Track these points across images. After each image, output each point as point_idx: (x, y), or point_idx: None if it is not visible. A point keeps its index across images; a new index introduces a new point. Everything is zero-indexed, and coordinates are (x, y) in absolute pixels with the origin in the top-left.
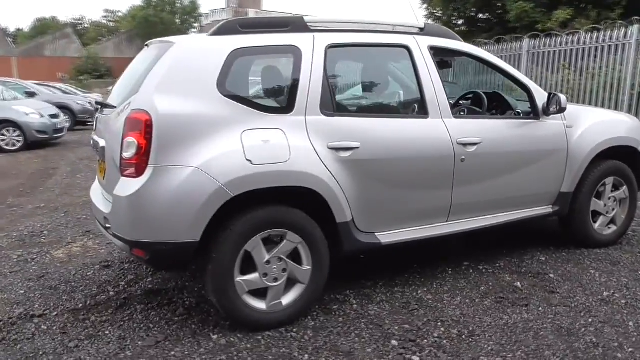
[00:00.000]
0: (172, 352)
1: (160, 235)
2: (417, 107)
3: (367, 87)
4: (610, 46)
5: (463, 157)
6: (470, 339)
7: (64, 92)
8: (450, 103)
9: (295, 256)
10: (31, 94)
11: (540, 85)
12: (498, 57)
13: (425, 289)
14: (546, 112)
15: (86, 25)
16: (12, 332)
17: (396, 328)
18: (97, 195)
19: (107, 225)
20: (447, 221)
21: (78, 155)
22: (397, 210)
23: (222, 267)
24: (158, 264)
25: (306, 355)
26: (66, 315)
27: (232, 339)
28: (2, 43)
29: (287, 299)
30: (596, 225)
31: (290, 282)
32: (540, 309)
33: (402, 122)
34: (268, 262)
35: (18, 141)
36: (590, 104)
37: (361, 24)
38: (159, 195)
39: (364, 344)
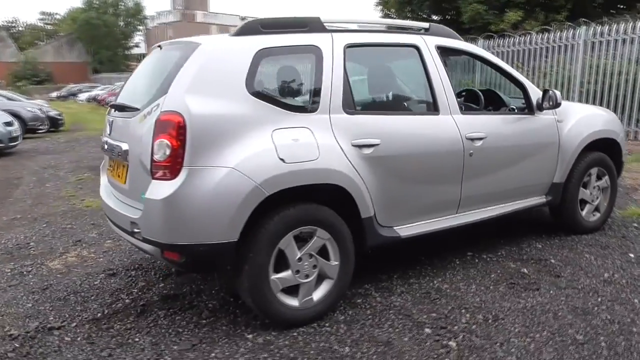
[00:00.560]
0: (212, 354)
1: (199, 236)
2: (428, 104)
3: (383, 86)
4: (560, 46)
5: (471, 151)
6: (497, 323)
7: (9, 99)
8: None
9: (322, 252)
10: None
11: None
12: None
13: (440, 279)
14: (540, 107)
15: (20, 28)
16: (35, 345)
17: (425, 317)
18: (114, 200)
19: (136, 230)
20: (456, 213)
21: (39, 163)
22: (413, 204)
23: (258, 266)
24: (193, 266)
25: (347, 348)
26: (87, 326)
27: (268, 337)
28: None
29: (317, 295)
30: (583, 213)
31: (320, 278)
32: (551, 292)
33: (416, 119)
34: (300, 259)
35: None
36: None
37: (373, 24)
38: (196, 197)
39: (399, 334)
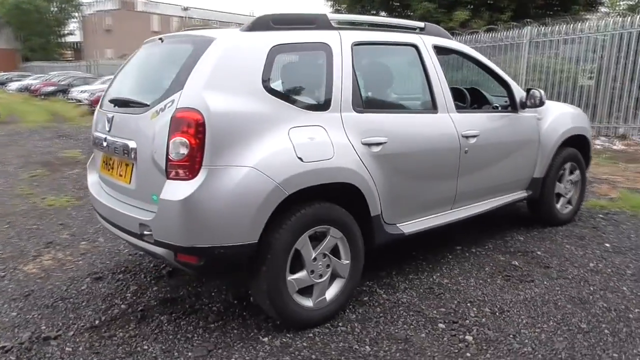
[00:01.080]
0: (232, 359)
1: (218, 238)
2: (428, 103)
3: (387, 84)
4: (506, 45)
5: (466, 148)
6: (504, 315)
7: None
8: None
9: (334, 252)
10: None
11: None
12: None
13: (439, 274)
14: (523, 106)
15: None
16: (34, 357)
17: (434, 312)
18: (111, 200)
19: (146, 233)
20: (451, 209)
21: None
22: (414, 201)
23: (276, 268)
24: (211, 269)
25: (367, 347)
26: (86, 334)
27: (284, 340)
28: None
29: (330, 294)
30: (558, 206)
31: (331, 277)
32: (545, 282)
33: (418, 117)
34: (314, 259)
35: None
36: None
37: (374, 22)
38: (216, 198)
39: (415, 330)
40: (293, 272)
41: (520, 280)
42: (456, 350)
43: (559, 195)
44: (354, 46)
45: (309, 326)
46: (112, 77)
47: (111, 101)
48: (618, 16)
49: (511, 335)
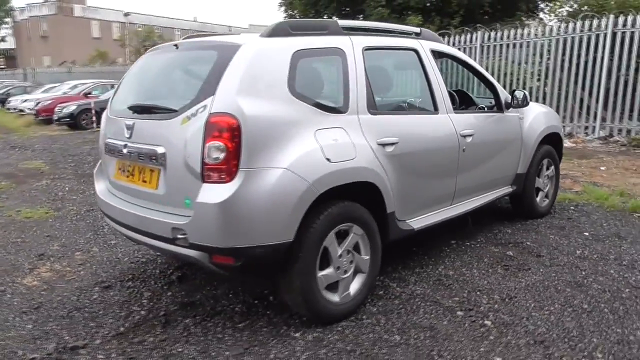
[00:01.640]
0: (271, 356)
1: (257, 238)
2: (429, 104)
3: (394, 86)
4: (459, 49)
5: (464, 147)
6: (513, 301)
7: None
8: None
9: (355, 248)
10: None
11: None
12: None
13: (443, 267)
14: (508, 106)
15: None
16: None
17: (450, 301)
18: (131, 206)
19: (179, 236)
20: (451, 205)
21: None
22: (421, 198)
23: (308, 265)
24: (247, 269)
25: (397, 336)
26: (115, 341)
27: (315, 334)
28: None
29: (353, 289)
30: (537, 200)
31: (353, 273)
32: (541, 270)
33: (423, 118)
34: (340, 255)
35: None
36: None
37: (377, 27)
38: (254, 199)
39: (437, 318)
40: (321, 269)
41: (519, 269)
42: (479, 335)
43: (538, 190)
44: (365, 51)
45: (336, 320)
46: (55, 85)
47: (130, 108)
48: (561, 22)
49: (524, 319)
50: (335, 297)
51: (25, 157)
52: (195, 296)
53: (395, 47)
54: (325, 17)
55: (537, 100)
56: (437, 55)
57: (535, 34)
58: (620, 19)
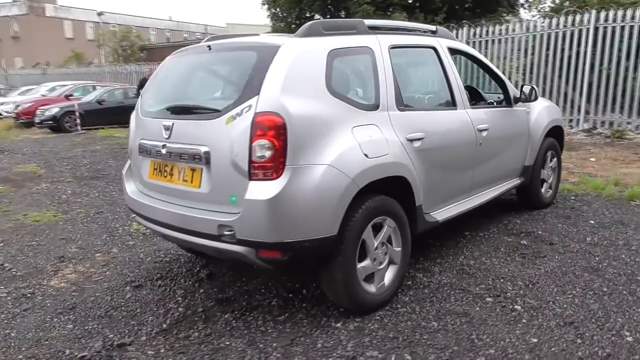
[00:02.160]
0: (318, 345)
1: (304, 233)
2: (449, 100)
3: (417, 83)
4: None
5: (480, 141)
6: (537, 287)
7: None
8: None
9: (388, 240)
10: None
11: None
12: None
13: (463, 257)
14: (516, 101)
15: None
16: None
17: (477, 289)
18: (175, 207)
19: (226, 233)
20: (468, 197)
21: None
22: (443, 191)
23: (349, 257)
24: (294, 263)
25: (434, 323)
26: (160, 338)
27: (355, 324)
28: None
29: (387, 280)
30: (542, 190)
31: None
32: (557, 257)
33: (444, 114)
34: (376, 247)
35: None
36: None
37: (397, 26)
38: (302, 194)
39: (469, 305)
40: (359, 261)
41: (535, 257)
42: (512, 319)
43: (543, 181)
44: (390, 49)
45: (373, 310)
46: (31, 87)
47: (168, 109)
48: (545, 17)
49: (551, 302)
50: (372, 288)
51: (17, 161)
52: (228, 292)
53: (417, 45)
54: (308, 14)
55: None
56: (453, 52)
57: (520, 30)
58: (602, 14)
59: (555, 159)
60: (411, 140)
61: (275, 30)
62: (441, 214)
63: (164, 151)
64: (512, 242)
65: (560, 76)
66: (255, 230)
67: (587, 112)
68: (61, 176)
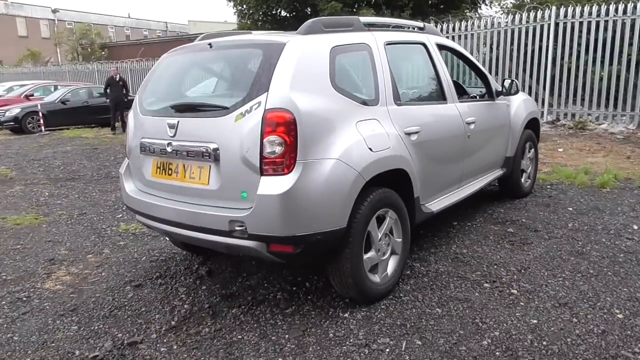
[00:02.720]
0: (330, 334)
1: (315, 226)
2: (439, 94)
3: (410, 78)
4: None
5: (469, 134)
6: (529, 271)
7: None
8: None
9: (390, 231)
10: None
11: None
12: None
13: (455, 246)
14: (498, 94)
15: None
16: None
17: (474, 275)
18: (182, 205)
19: (237, 228)
20: (458, 188)
21: None
22: (437, 182)
23: (356, 249)
24: (304, 255)
25: (438, 309)
26: (171, 335)
27: (363, 313)
28: None
29: (390, 270)
30: (522, 180)
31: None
32: (542, 243)
33: (436, 108)
34: (379, 239)
35: None
36: None
37: (388, 22)
38: (313, 188)
39: (469, 291)
40: (365, 252)
41: (523, 243)
42: (510, 302)
43: (522, 171)
44: (386, 45)
45: (377, 300)
46: None
47: (173, 107)
48: (508, 14)
49: (544, 285)
50: (376, 278)
51: None
52: (232, 288)
53: (408, 42)
54: (274, 11)
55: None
56: (440, 48)
57: (485, 26)
58: (562, 10)
59: (533, 149)
60: (408, 134)
61: (241, 27)
62: (435, 205)
63: (169, 149)
64: (499, 230)
65: (524, 70)
66: (267, 224)
67: (550, 105)
68: (35, 178)
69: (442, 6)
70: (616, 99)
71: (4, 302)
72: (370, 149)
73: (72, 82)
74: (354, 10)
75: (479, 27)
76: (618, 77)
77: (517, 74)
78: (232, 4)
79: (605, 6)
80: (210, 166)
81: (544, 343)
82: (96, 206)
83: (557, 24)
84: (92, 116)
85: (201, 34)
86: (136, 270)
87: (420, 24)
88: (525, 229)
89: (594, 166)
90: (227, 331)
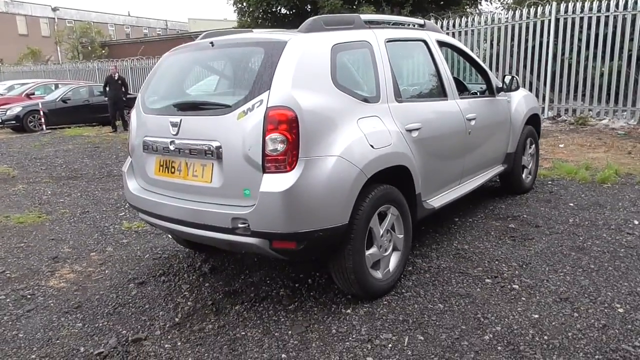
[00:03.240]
0: (332, 330)
1: (318, 223)
2: (440, 91)
3: (411, 75)
4: None
5: (469, 130)
6: (530, 267)
7: None
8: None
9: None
10: None
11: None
12: None
13: (457, 242)
14: (499, 90)
15: None
16: (138, 357)
17: (475, 271)
18: (184, 202)
19: (240, 225)
20: (459, 184)
21: None
22: (438, 179)
23: (358, 245)
24: (307, 252)
25: (440, 304)
26: (175, 331)
27: (365, 309)
28: None
29: (392, 266)
30: (523, 176)
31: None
32: (544, 238)
33: (437, 104)
34: (381, 235)
35: None
36: None
37: (388, 20)
38: (315, 185)
39: (470, 287)
40: (367, 248)
41: (524, 239)
42: (512, 297)
43: (523, 167)
44: (386, 43)
45: (380, 296)
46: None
47: (175, 105)
48: (508, 10)
49: (545, 280)
50: (378, 274)
51: None
52: (234, 285)
53: (409, 39)
54: (274, 9)
55: None
56: (440, 44)
57: (485, 22)
58: (562, 6)
59: (534, 145)
60: (410, 131)
61: (241, 25)
62: (437, 201)
63: (172, 147)
64: (501, 226)
65: (525, 66)
66: (270, 221)
67: (551, 101)
68: (37, 177)
69: (442, 3)
70: (617, 94)
71: (8, 300)
72: (372, 146)
73: (73, 80)
74: (354, 7)
75: (479, 23)
76: (619, 72)
77: (517, 70)
78: (232, 1)
79: (606, 2)
80: (212, 164)
81: (546, 337)
82: (99, 204)
83: (557, 20)
84: (93, 115)
85: (201, 32)
86: (139, 267)
87: (421, 20)
88: (526, 225)
89: (594, 162)
90: (230, 327)
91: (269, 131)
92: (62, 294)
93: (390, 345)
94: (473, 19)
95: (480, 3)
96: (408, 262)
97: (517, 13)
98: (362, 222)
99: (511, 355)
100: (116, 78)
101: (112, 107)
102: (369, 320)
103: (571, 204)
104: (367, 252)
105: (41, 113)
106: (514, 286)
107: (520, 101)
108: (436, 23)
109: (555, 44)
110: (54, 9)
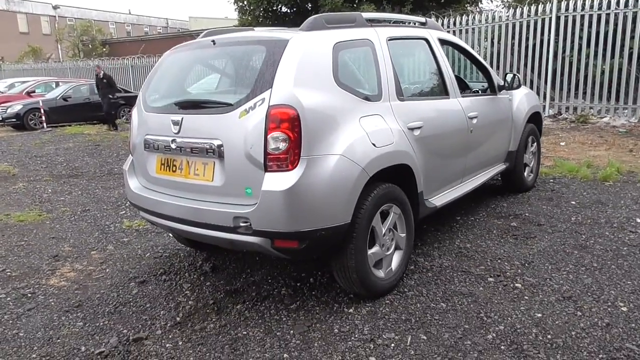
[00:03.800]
0: (335, 330)
1: (320, 222)
2: (442, 90)
3: (412, 73)
4: None
5: (471, 128)
6: (532, 266)
7: None
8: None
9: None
10: None
11: None
12: None
13: (459, 240)
14: (500, 89)
15: None
16: (139, 357)
17: (477, 270)
18: (185, 201)
19: (242, 224)
20: (461, 182)
21: None
22: (440, 177)
23: (360, 244)
24: (309, 251)
25: (442, 304)
26: (176, 331)
27: (367, 309)
28: None
29: (394, 265)
30: (525, 174)
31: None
32: (546, 236)
33: (439, 103)
34: (384, 234)
35: None
36: None
37: (390, 18)
38: (317, 184)
39: (473, 286)
40: (369, 247)
41: (526, 237)
42: (515, 296)
43: (525, 165)
44: (388, 41)
45: (382, 295)
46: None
47: (177, 104)
48: (508, 8)
49: (548, 279)
50: (380, 273)
51: None
52: (236, 284)
53: (410, 37)
54: (275, 7)
55: None
56: (442, 43)
57: (486, 20)
58: (563, 4)
59: (535, 144)
60: (412, 129)
61: (241, 23)
62: (439, 200)
63: (173, 146)
64: (503, 224)
65: (525, 64)
66: (272, 220)
67: (552, 99)
68: (37, 175)
69: (442, 1)
70: (618, 92)
71: (9, 299)
72: (374, 145)
73: (74, 78)
74: (355, 5)
75: (480, 21)
76: (620, 70)
77: (518, 68)
78: (232, 0)
79: None
80: (214, 162)
81: (549, 336)
82: (99, 203)
83: (558, 18)
84: (93, 113)
85: (202, 30)
86: (140, 266)
87: (422, 19)
88: (528, 223)
89: (596, 160)
90: (232, 327)
91: (270, 130)
92: (62, 292)
93: (392, 344)
94: (474, 17)
95: (481, 1)
96: (410, 261)
97: (518, 11)
98: (364, 221)
99: (515, 354)
100: (101, 77)
101: (105, 106)
102: (371, 319)
103: (573, 202)
104: (370, 251)
105: (42, 111)
106: (516, 285)
107: (521, 99)
108: (437, 21)
109: (556, 42)
110: (55, 7)
